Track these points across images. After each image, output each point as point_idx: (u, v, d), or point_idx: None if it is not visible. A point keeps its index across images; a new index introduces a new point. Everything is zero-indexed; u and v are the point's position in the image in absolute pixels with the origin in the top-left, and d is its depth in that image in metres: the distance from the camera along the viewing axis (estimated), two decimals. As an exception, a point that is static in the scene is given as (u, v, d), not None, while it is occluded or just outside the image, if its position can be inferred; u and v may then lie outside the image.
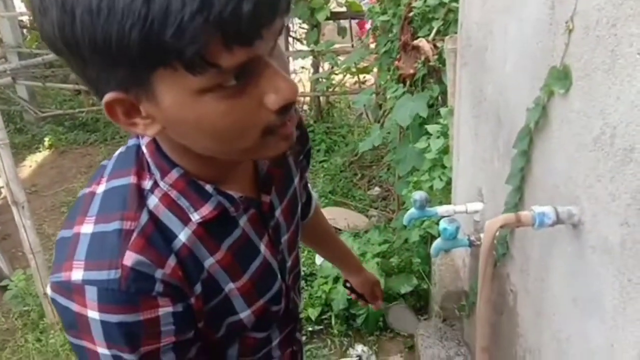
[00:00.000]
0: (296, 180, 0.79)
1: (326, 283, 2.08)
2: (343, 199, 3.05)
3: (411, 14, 2.01)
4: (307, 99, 4.30)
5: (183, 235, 0.60)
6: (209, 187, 0.61)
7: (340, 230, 2.64)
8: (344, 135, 3.77)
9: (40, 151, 4.24)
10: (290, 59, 4.06)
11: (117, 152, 0.64)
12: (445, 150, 1.85)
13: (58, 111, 4.67)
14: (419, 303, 2.08)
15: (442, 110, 1.84)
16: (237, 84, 0.48)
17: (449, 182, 1.79)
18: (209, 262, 0.63)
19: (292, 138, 0.57)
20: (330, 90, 3.98)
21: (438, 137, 1.85)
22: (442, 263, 1.85)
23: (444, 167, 1.84)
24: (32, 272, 2.23)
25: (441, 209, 1.30)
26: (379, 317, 2.04)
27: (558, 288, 0.94)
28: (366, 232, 2.43)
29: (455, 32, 1.54)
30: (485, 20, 1.23)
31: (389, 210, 2.85)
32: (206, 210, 0.61)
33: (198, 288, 0.62)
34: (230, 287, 0.66)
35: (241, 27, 0.43)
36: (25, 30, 5.21)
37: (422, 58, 1.94)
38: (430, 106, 2.02)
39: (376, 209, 2.92)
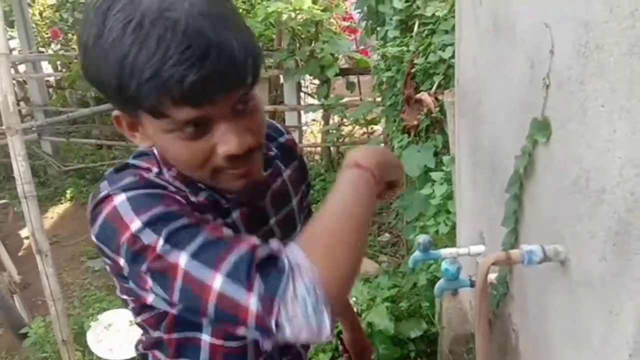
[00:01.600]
0: (294, 201, 0.89)
1: (337, 328, 2.11)
2: (354, 246, 3.11)
3: (413, 70, 2.14)
4: (319, 149, 4.44)
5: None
6: (200, 184, 0.73)
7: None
8: (355, 183, 3.85)
9: (62, 203, 4.39)
10: (302, 112, 4.23)
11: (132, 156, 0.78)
12: (449, 196, 1.93)
13: (80, 165, 4.86)
14: (429, 348, 2.09)
15: (445, 159, 1.93)
16: (194, 130, 0.63)
17: (453, 227, 1.86)
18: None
19: (251, 176, 0.70)
20: (340, 140, 4.12)
21: (442, 184, 1.93)
22: (450, 306, 1.88)
23: (448, 212, 1.90)
24: (52, 319, 2.29)
25: (445, 252, 1.37)
26: (390, 362, 2.06)
27: (553, 324, 0.99)
28: (376, 277, 2.47)
29: (454, 86, 1.65)
30: (477, 77, 1.34)
31: (399, 256, 2.89)
32: (201, 198, 0.73)
33: None
34: None
35: (184, 93, 0.58)
36: (51, 90, 5.50)
37: (425, 110, 2.05)
38: (434, 155, 2.12)
39: (386, 254, 2.97)
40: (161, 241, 0.60)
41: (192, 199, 0.71)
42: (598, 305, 0.79)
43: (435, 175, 1.99)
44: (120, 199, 0.64)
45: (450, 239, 1.90)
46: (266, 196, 0.82)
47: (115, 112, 0.68)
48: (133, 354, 2.44)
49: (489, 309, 1.08)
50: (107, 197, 0.65)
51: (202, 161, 0.65)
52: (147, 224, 0.61)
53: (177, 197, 0.67)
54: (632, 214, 0.67)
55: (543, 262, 0.89)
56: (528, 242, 1.03)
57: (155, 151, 0.74)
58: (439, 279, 1.73)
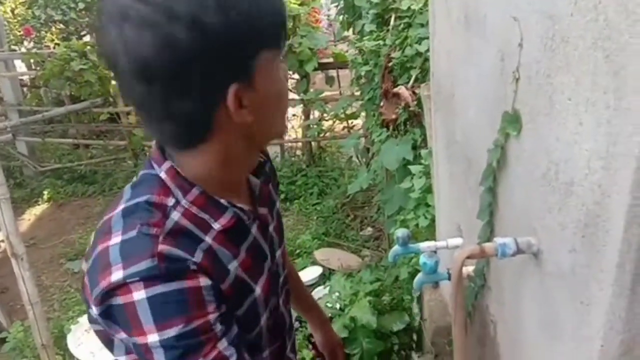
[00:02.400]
0: (277, 204, 0.91)
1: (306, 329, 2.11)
2: (336, 240, 3.11)
3: (391, 63, 2.14)
4: (300, 144, 4.42)
5: (206, 241, 0.68)
6: (224, 201, 0.71)
7: (334, 270, 2.69)
8: (336, 178, 3.87)
9: (39, 204, 4.31)
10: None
11: (130, 184, 0.71)
12: (428, 189, 1.93)
13: (57, 165, 4.77)
14: (412, 340, 2.11)
15: (423, 152, 1.94)
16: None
17: (433, 220, 1.87)
18: (234, 265, 0.71)
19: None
20: (321, 135, 4.12)
21: (421, 177, 1.94)
22: (431, 299, 1.90)
23: (427, 205, 1.91)
24: (31, 323, 2.26)
25: (424, 245, 1.37)
26: (373, 356, 2.06)
27: (527, 316, 1.00)
28: (359, 272, 2.48)
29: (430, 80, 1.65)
30: (451, 70, 1.34)
31: (382, 250, 2.90)
32: (224, 220, 0.70)
33: (226, 284, 0.68)
34: (257, 289, 0.75)
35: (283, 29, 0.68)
36: (25, 89, 5.38)
37: (403, 104, 2.05)
38: (413, 148, 2.12)
39: (369, 248, 2.98)
40: None
41: (216, 225, 0.69)
42: (569, 296, 0.80)
43: (414, 168, 2.00)
44: (139, 297, 0.60)
45: (431, 232, 1.91)
46: (266, 204, 0.82)
47: (233, 88, 0.62)
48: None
49: (465, 301, 1.09)
50: (124, 285, 0.60)
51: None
52: (163, 345, 0.61)
53: (200, 279, 0.63)
54: (599, 206, 0.68)
55: (516, 254, 0.90)
56: (503, 234, 1.04)
57: (164, 169, 0.69)
58: (420, 271, 1.74)
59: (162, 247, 0.62)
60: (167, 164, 0.69)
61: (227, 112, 0.63)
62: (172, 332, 0.60)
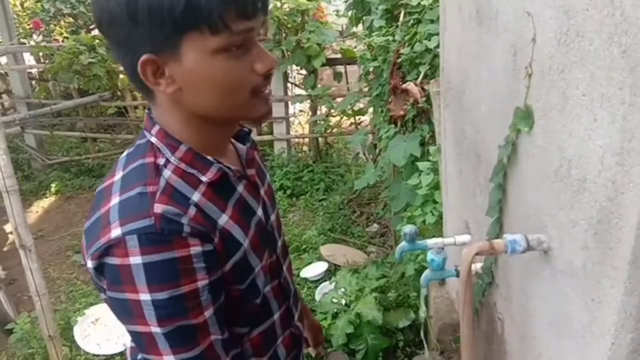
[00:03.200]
0: (268, 176, 0.96)
1: (325, 319, 2.11)
2: (342, 236, 3.11)
3: (399, 59, 2.13)
4: (307, 140, 4.42)
5: (196, 196, 0.72)
6: (210, 158, 0.75)
7: (339, 266, 2.69)
8: (342, 174, 3.86)
9: (46, 197, 4.34)
10: (289, 103, 4.21)
11: (126, 151, 0.77)
12: (436, 186, 1.93)
13: (64, 158, 4.79)
14: (418, 337, 2.11)
15: (432, 149, 1.93)
16: (237, 50, 0.67)
17: (440, 216, 1.86)
18: (223, 219, 0.74)
19: (270, 105, 0.77)
20: (328, 131, 4.11)
21: (428, 174, 1.93)
22: (438, 296, 1.89)
23: (435, 202, 1.91)
24: (38, 314, 2.27)
25: (431, 242, 1.37)
26: (378, 352, 2.07)
27: (536, 312, 0.99)
28: (364, 268, 2.48)
29: (440, 76, 1.64)
30: (461, 66, 1.33)
31: (387, 247, 2.90)
32: (211, 173, 0.75)
33: (217, 238, 0.72)
34: (245, 241, 0.78)
35: (247, 3, 0.65)
36: (34, 82, 5.40)
37: (411, 100, 2.04)
38: (421, 145, 2.12)
39: (374, 245, 2.98)
40: (158, 329, 0.67)
41: (203, 179, 0.74)
42: (580, 293, 0.79)
43: (421, 165, 1.99)
44: (135, 261, 0.65)
45: (437, 229, 1.91)
46: (253, 167, 0.87)
47: (144, 57, 0.66)
48: (120, 348, 2.45)
49: (473, 298, 1.09)
50: (120, 242, 0.65)
51: (245, 82, 0.70)
52: (155, 305, 0.66)
53: (191, 247, 0.67)
54: (612, 203, 0.67)
55: (526, 251, 0.89)
56: (512, 231, 1.03)
57: (154, 133, 0.74)
58: (426, 268, 1.74)
59: (157, 206, 0.67)
60: (156, 128, 0.74)
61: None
62: (162, 295, 0.66)
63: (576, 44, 0.71)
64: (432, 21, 2.03)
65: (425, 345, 1.89)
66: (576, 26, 0.70)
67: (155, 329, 0.67)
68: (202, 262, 0.68)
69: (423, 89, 2.01)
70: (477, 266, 1.27)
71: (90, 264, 0.68)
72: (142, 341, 0.69)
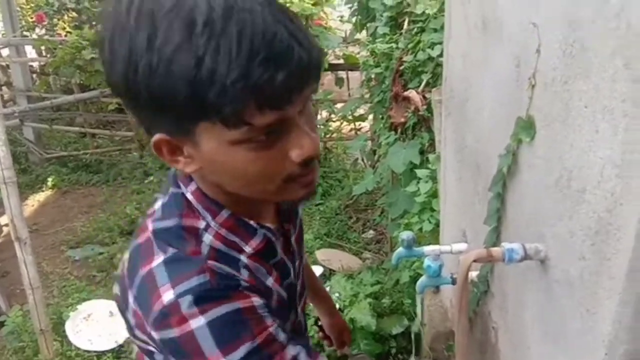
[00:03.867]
0: (300, 212, 0.88)
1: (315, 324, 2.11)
2: (338, 241, 3.11)
3: (402, 67, 2.14)
4: (306, 144, 4.41)
5: (244, 259, 0.66)
6: (253, 223, 0.68)
7: (334, 271, 2.69)
8: (340, 179, 3.86)
9: (43, 191, 4.32)
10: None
11: (159, 202, 0.68)
12: (434, 194, 1.93)
13: (62, 153, 4.78)
14: (411, 344, 2.11)
15: (431, 157, 1.94)
16: (266, 139, 0.56)
17: (437, 224, 1.86)
18: (269, 280, 0.70)
19: (313, 186, 0.65)
20: (328, 136, 4.12)
21: (427, 182, 1.94)
22: (432, 304, 1.89)
23: (432, 210, 1.91)
24: (30, 308, 2.26)
25: (427, 249, 1.37)
26: (371, 358, 2.06)
27: (531, 322, 1.00)
28: (359, 273, 2.48)
29: (442, 84, 1.65)
30: (465, 75, 1.34)
31: (383, 253, 2.90)
32: (255, 242, 0.68)
33: (274, 302, 0.68)
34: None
35: (274, 94, 0.52)
36: (35, 75, 5.40)
37: (412, 108, 2.05)
38: (420, 152, 2.12)
39: (370, 251, 2.98)
40: None
41: (247, 249, 0.67)
42: (576, 303, 0.80)
43: (420, 172, 2.00)
44: (197, 324, 0.56)
45: (434, 237, 1.91)
46: (291, 220, 0.80)
47: (156, 138, 0.58)
48: (112, 345, 2.43)
49: (468, 306, 1.09)
50: (175, 307, 0.57)
51: (274, 172, 0.59)
52: None
53: (252, 298, 0.60)
54: (611, 214, 0.68)
55: (523, 260, 0.90)
56: (509, 240, 1.04)
57: (190, 190, 0.66)
58: (421, 276, 1.74)
59: (210, 263, 0.61)
60: (192, 185, 0.66)
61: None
62: (238, 354, 0.57)
63: (580, 56, 0.71)
64: (435, 30, 2.04)
65: (414, 352, 1.89)
66: (581, 38, 0.71)
67: None
68: (266, 311, 0.61)
69: (424, 97, 2.02)
70: (473, 274, 1.27)
71: (155, 336, 0.60)
72: None
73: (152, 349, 0.65)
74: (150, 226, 0.65)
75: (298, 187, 0.63)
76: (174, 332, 0.57)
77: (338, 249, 3.02)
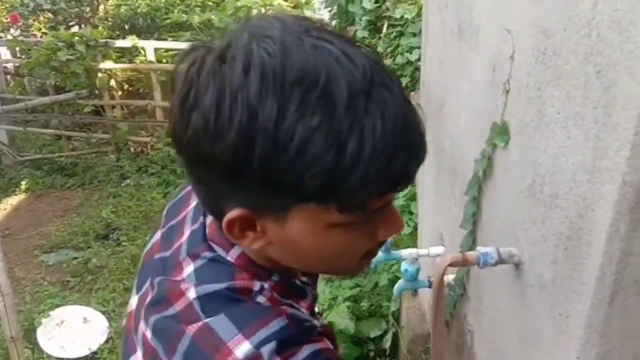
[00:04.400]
0: None
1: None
2: (318, 245, 3.11)
3: (381, 70, 2.15)
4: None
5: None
6: (298, 282, 0.62)
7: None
8: (321, 182, 3.86)
9: (16, 194, 4.21)
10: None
11: (196, 267, 0.58)
12: (412, 197, 1.94)
13: (37, 155, 4.67)
14: (389, 347, 2.11)
15: (409, 160, 1.95)
16: (366, 219, 0.50)
17: (416, 227, 1.87)
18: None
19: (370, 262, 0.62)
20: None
21: (405, 185, 1.94)
22: (410, 306, 1.90)
23: (411, 213, 1.92)
24: (0, 315, 2.20)
25: (405, 252, 1.38)
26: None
27: (506, 325, 1.01)
28: (339, 277, 2.48)
29: (420, 88, 1.66)
30: (442, 80, 1.35)
31: (362, 257, 2.90)
32: (306, 303, 0.62)
33: None
34: None
35: (401, 181, 0.48)
36: (9, 77, 5.27)
37: (391, 111, 2.06)
38: (399, 156, 2.13)
39: (350, 255, 2.98)
40: None
41: (303, 310, 0.60)
42: (549, 307, 0.81)
43: (399, 176, 2.01)
44: None
45: (413, 240, 1.92)
46: None
47: (233, 215, 0.50)
48: (86, 352, 2.38)
49: (444, 309, 1.10)
50: (255, 356, 0.49)
51: (360, 250, 0.56)
52: None
53: (327, 341, 0.55)
54: (583, 219, 0.69)
55: (498, 264, 0.91)
56: (485, 244, 1.05)
57: (233, 256, 0.58)
58: (400, 279, 1.75)
59: (284, 308, 0.54)
60: (236, 250, 0.58)
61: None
62: None
63: (553, 63, 0.72)
64: (414, 34, 2.06)
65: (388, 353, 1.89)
66: (554, 45, 0.72)
67: None
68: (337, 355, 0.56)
69: (403, 101, 2.03)
70: (450, 278, 1.28)
71: None
72: None
73: None
74: (191, 293, 0.55)
75: (365, 264, 0.60)
76: None
77: (318, 252, 3.02)
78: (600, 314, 0.68)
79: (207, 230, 0.59)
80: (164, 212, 0.70)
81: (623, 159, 0.58)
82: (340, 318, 2.06)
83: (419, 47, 1.96)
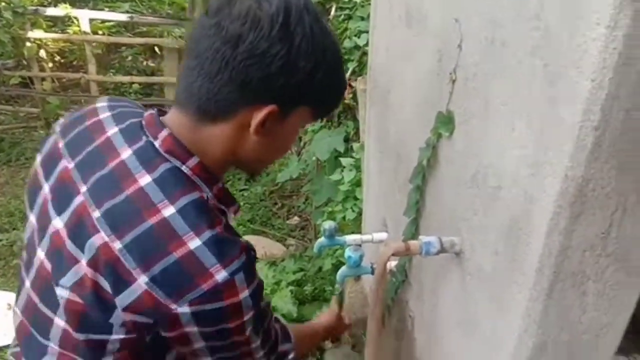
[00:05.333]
0: None
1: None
2: (262, 227, 3.07)
3: (328, 53, 2.12)
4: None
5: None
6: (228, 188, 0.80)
7: (257, 259, 2.64)
8: (265, 165, 3.81)
9: None
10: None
11: (157, 177, 0.70)
12: (357, 183, 1.94)
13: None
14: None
15: (355, 145, 1.94)
16: None
17: (360, 213, 1.88)
18: None
19: None
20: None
21: (351, 170, 1.94)
22: (352, 290, 1.91)
23: (356, 198, 1.92)
24: None
25: (349, 238, 1.37)
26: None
27: (446, 313, 1.02)
28: (282, 260, 2.46)
29: (367, 74, 1.65)
30: (388, 65, 1.34)
31: (307, 240, 2.90)
32: (234, 208, 0.80)
33: None
34: None
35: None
36: None
37: (338, 95, 2.04)
38: (345, 141, 2.12)
39: (294, 238, 2.97)
40: (258, 341, 0.80)
41: (231, 216, 0.79)
42: (488, 297, 0.82)
43: (345, 161, 2.00)
44: (244, 295, 0.69)
45: (357, 225, 1.92)
46: None
47: (273, 107, 0.70)
48: (9, 341, 2.24)
49: (385, 297, 1.10)
50: (229, 283, 0.67)
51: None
52: (256, 317, 0.74)
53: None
54: (524, 212, 0.69)
55: (440, 253, 0.91)
56: (428, 232, 1.05)
57: (191, 165, 0.74)
58: (344, 263, 1.74)
59: (244, 241, 0.71)
60: (194, 160, 0.73)
61: (250, 116, 0.71)
62: (263, 304, 0.76)
63: (500, 54, 0.72)
64: (362, 18, 2.03)
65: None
66: (501, 36, 0.71)
67: (256, 340, 0.78)
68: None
69: (350, 85, 2.01)
70: (392, 264, 1.29)
71: (184, 309, 0.66)
72: (239, 354, 0.77)
73: (117, 337, 0.69)
74: (168, 204, 0.68)
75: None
76: (222, 303, 0.67)
77: (262, 235, 2.98)
78: (538, 305, 0.69)
79: (160, 146, 0.72)
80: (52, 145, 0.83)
81: (566, 154, 0.58)
82: (283, 302, 2.05)
83: (367, 32, 1.94)
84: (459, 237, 0.91)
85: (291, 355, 0.98)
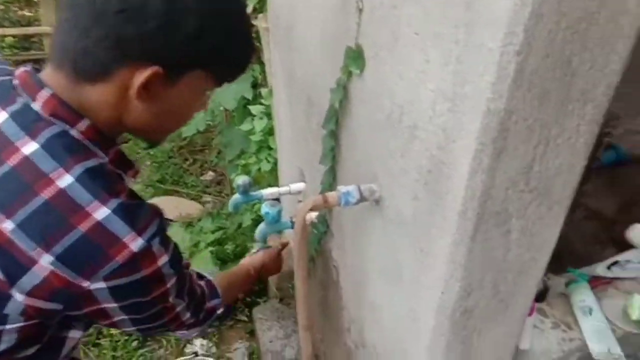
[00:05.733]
0: None
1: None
2: (174, 186, 2.89)
3: (225, -10, 1.93)
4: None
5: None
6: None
7: (172, 221, 2.49)
8: (172, 119, 3.56)
9: None
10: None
11: (44, 142, 0.61)
12: (270, 132, 1.84)
13: None
14: (259, 286, 2.07)
15: (264, 91, 1.82)
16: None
17: (276, 163, 1.79)
18: None
19: None
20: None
21: (262, 118, 1.82)
22: (275, 244, 1.85)
23: (270, 148, 1.82)
24: None
25: (266, 192, 1.28)
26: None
27: (369, 261, 0.98)
28: (199, 220, 2.33)
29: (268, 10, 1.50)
30: (289, -1, 1.21)
31: (224, 195, 2.77)
32: (132, 172, 0.75)
33: None
34: None
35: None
36: None
37: (240, 37, 1.87)
38: (253, 87, 1.98)
39: (210, 194, 2.83)
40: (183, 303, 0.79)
41: (129, 180, 0.73)
42: (410, 243, 0.77)
43: (254, 109, 1.87)
44: (163, 260, 0.65)
45: (274, 177, 1.84)
46: None
47: (156, 69, 0.62)
48: None
49: (307, 250, 1.04)
50: (147, 250, 0.62)
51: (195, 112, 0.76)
52: (178, 281, 0.72)
53: None
54: (443, 152, 0.63)
55: (360, 202, 0.85)
56: (346, 180, 0.99)
57: (81, 129, 0.65)
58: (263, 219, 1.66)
59: (154, 204, 0.67)
60: (85, 122, 0.65)
61: (130, 78, 0.63)
62: (181, 267, 0.72)
63: (408, -25, 0.63)
64: (259, -51, 1.85)
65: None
66: (408, -47, 0.62)
67: (181, 304, 0.76)
68: None
69: (252, 24, 1.85)
70: (313, 215, 1.22)
71: (99, 285, 0.61)
72: (166, 321, 0.75)
73: (13, 326, 0.62)
74: (61, 182, 0.60)
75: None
76: (140, 274, 0.63)
77: (174, 195, 2.81)
78: (462, 248, 0.65)
79: (42, 108, 0.63)
80: None
81: (487, 84, 0.51)
82: (204, 264, 1.95)
83: (265, -36, 1.77)
84: (377, 184, 0.85)
85: (220, 310, 0.94)
